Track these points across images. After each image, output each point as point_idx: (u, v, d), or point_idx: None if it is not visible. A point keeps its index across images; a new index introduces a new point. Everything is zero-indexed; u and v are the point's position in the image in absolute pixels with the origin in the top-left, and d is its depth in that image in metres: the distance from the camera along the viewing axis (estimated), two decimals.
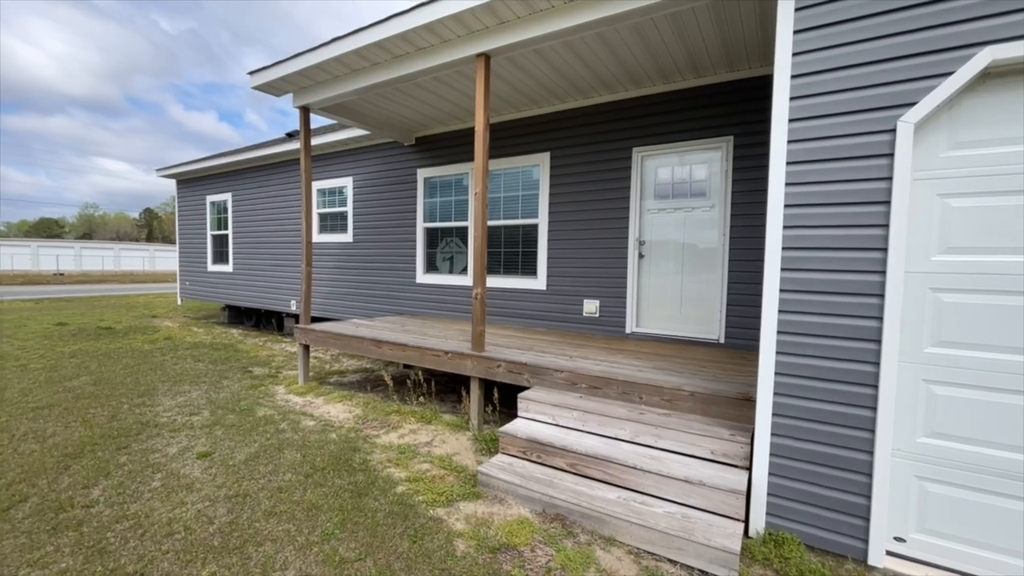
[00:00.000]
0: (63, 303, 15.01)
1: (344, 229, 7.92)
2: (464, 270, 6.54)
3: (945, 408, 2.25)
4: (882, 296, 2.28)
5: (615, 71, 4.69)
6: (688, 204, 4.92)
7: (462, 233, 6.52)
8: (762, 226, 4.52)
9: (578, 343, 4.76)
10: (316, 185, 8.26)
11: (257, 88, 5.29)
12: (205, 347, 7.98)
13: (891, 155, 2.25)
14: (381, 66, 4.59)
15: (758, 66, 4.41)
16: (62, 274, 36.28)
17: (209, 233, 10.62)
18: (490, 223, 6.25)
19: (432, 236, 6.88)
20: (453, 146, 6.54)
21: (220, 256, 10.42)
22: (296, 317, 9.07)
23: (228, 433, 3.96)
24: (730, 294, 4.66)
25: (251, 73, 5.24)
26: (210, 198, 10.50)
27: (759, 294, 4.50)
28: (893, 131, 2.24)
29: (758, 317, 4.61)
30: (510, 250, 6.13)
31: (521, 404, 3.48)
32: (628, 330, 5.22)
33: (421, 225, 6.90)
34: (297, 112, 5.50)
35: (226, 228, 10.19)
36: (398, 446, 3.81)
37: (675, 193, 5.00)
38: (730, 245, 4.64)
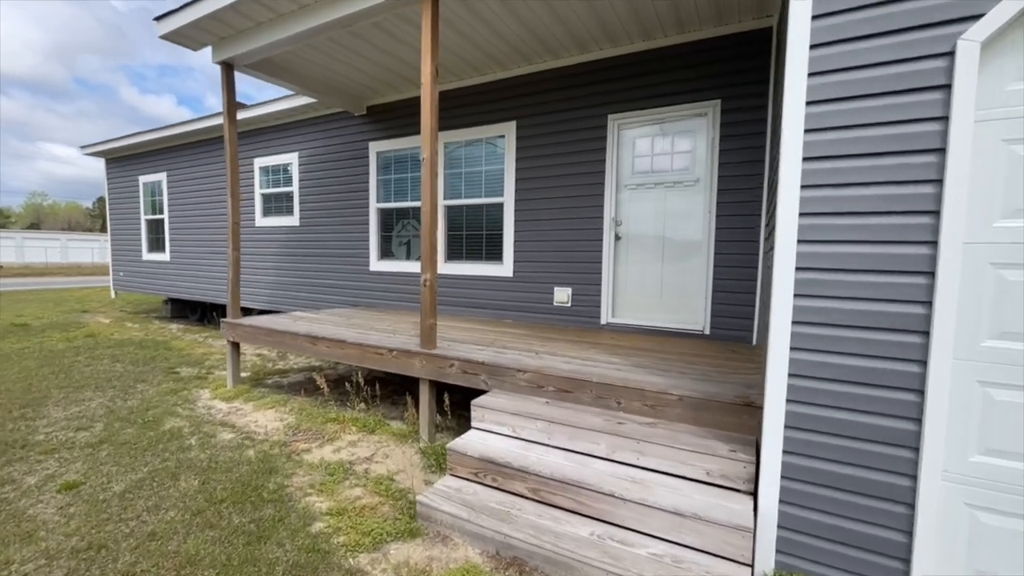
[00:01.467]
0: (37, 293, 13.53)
1: (290, 211, 7.09)
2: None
3: (1005, 417, 1.75)
4: (932, 274, 1.74)
5: (589, 25, 4.06)
6: (670, 179, 4.36)
7: (420, 214, 5.82)
8: (753, 203, 4.02)
9: (547, 336, 4.17)
10: (258, 162, 7.38)
11: (167, 38, 4.44)
12: (132, 345, 7.05)
13: (947, 87, 1.70)
14: (312, 9, 3.82)
15: (750, 18, 3.85)
16: (0, 267, 33.59)
17: (143, 218, 9.54)
18: (450, 203, 5.58)
19: (387, 218, 6.15)
20: (408, 115, 5.80)
21: (156, 243, 9.38)
22: (245, 311, 8.17)
23: (116, 454, 3.21)
24: (716, 279, 4.14)
25: (158, 19, 4.38)
26: (143, 179, 9.41)
27: (749, 279, 4.01)
28: (951, 54, 1.69)
29: (748, 305, 4.15)
30: (472, 233, 5.48)
31: (475, 413, 2.86)
32: (603, 321, 4.66)
33: (374, 206, 6.16)
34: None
35: (162, 212, 9.14)
36: (329, 464, 3.15)
37: (655, 167, 4.43)
38: (717, 224, 4.12)
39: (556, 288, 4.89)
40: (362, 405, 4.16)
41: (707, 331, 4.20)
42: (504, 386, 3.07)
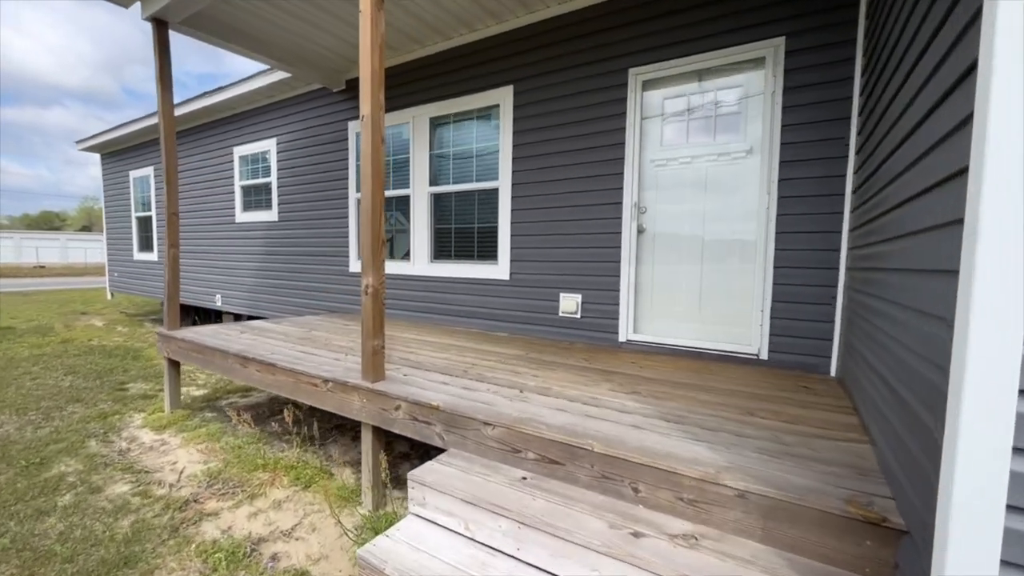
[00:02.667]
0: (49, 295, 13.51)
1: (268, 205, 6.30)
2: (407, 254, 4.92)
3: None
4: None
5: None
6: (711, 151, 3.27)
7: (404, 205, 4.89)
8: (833, 181, 2.87)
9: (546, 359, 3.15)
10: (238, 151, 6.64)
11: None
12: (99, 353, 6.41)
13: None
14: None
15: None
16: (42, 267, 34.90)
17: (133, 215, 9.02)
18: (437, 189, 4.62)
19: None
20: (391, 87, 4.88)
21: (145, 242, 8.84)
22: (234, 316, 7.46)
23: None
24: (778, 286, 3.02)
25: None
26: (133, 173, 8.89)
27: (826, 286, 2.87)
28: None
29: (824, 322, 2.80)
30: (463, 226, 4.51)
31: (413, 492, 1.88)
32: (622, 337, 3.60)
33: (353, 196, 5.27)
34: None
35: (150, 209, 8.58)
36: (228, 544, 2.24)
37: (691, 136, 3.35)
38: (778, 210, 3.00)
39: (562, 294, 3.86)
40: (309, 446, 3.24)
41: (764, 355, 3.08)
42: (466, 444, 2.07)
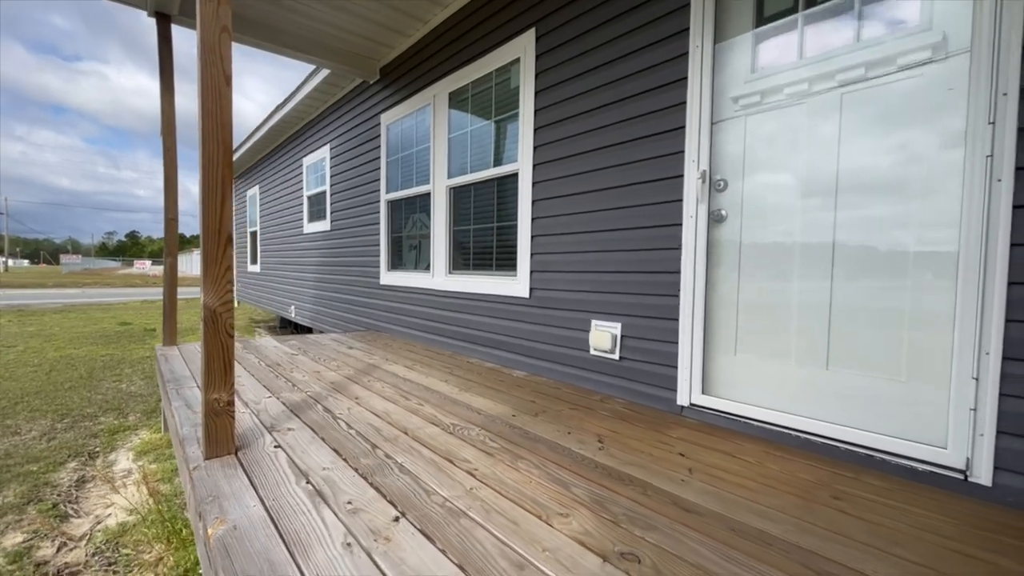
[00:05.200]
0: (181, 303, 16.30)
1: (323, 215, 6.04)
2: (428, 266, 4.04)
3: None
4: None
5: None
6: (853, 59, 1.73)
7: (426, 204, 4.04)
8: None
9: (536, 430, 1.93)
10: (306, 162, 6.58)
11: None
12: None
13: None
14: None
15: None
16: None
17: (248, 230, 9.87)
18: (454, 182, 3.68)
19: (396, 213, 4.53)
20: (414, 66, 4.12)
21: (254, 255, 9.57)
22: (307, 329, 7.45)
23: None
24: (1012, 338, 1.38)
25: None
26: (248, 192, 9.74)
27: None
28: None
29: None
30: (481, 227, 3.47)
31: None
32: (682, 399, 2.18)
33: (384, 198, 4.61)
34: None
35: (255, 224, 9.26)
36: None
37: (809, 41, 1.85)
38: (1017, 164, 1.37)
39: (594, 322, 2.56)
40: None
41: (983, 477, 1.43)
42: None
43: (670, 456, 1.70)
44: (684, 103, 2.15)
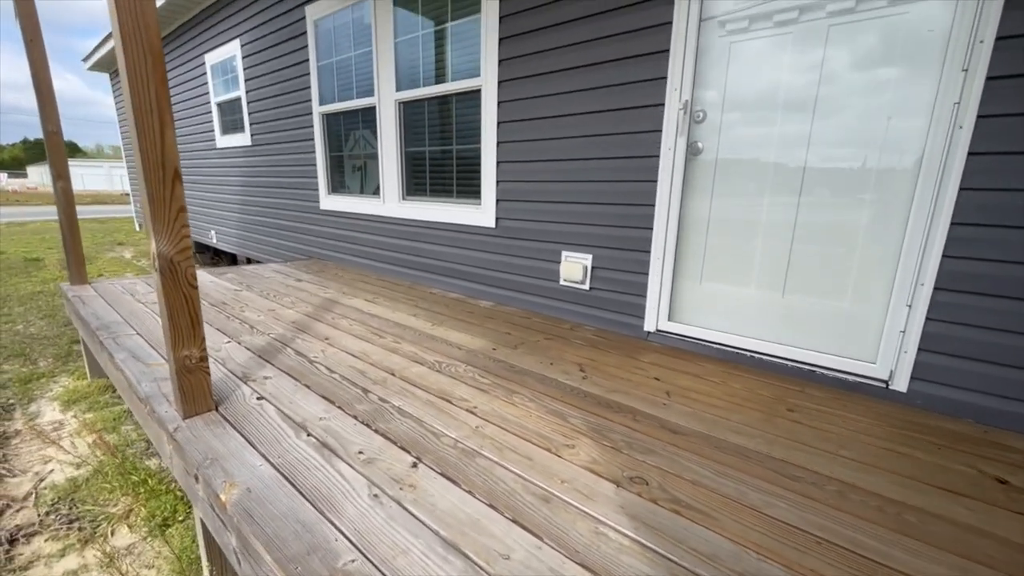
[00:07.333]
0: (80, 223, 14.04)
1: (241, 126, 5.27)
2: (377, 190, 3.75)
3: None
4: None
5: None
6: None
7: (370, 119, 3.64)
8: None
9: (521, 363, 1.99)
10: (209, 59, 5.55)
11: None
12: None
13: None
14: None
15: None
16: (127, 194, 37.38)
17: None
18: (404, 95, 3.32)
19: (334, 129, 4.06)
20: None
21: None
22: (231, 256, 6.78)
23: None
24: (951, 258, 1.59)
25: None
26: None
27: None
28: None
29: None
30: (439, 149, 3.23)
31: None
32: (650, 325, 2.33)
33: (317, 111, 4.08)
34: None
35: None
36: None
37: None
38: (981, 111, 1.48)
39: (565, 254, 2.59)
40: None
41: (901, 384, 1.73)
42: None
43: (647, 381, 1.86)
44: (671, 22, 2.03)
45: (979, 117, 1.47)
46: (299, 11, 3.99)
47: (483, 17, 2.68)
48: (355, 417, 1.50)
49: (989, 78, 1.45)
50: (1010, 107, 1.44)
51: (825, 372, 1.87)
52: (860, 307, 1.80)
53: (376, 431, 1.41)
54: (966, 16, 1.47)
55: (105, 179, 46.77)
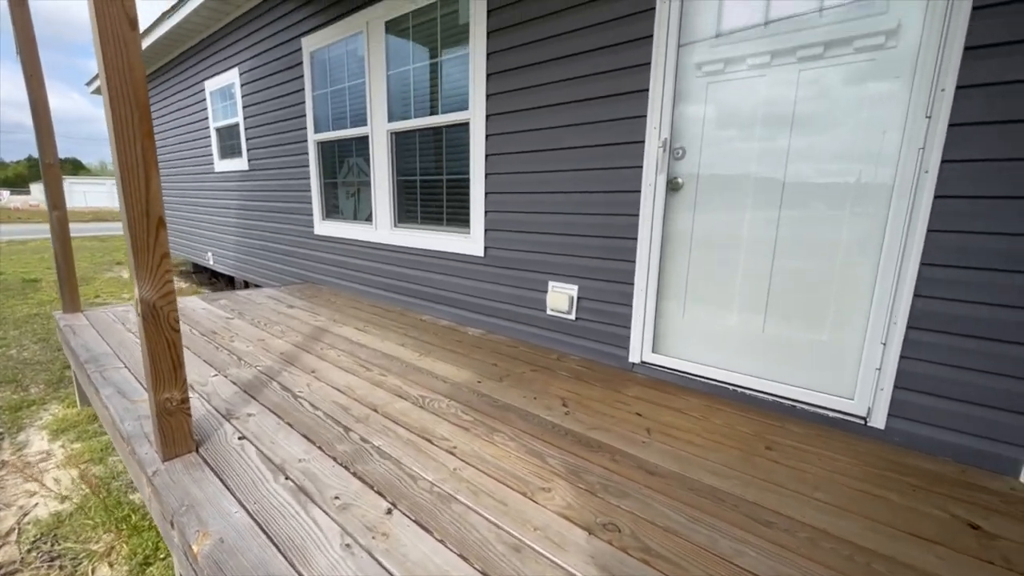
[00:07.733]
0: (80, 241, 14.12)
1: (239, 152, 5.36)
2: (370, 216, 3.80)
3: None
4: None
5: None
6: (814, 36, 1.76)
7: (363, 147, 3.72)
8: None
9: (505, 398, 2.01)
10: (209, 86, 5.66)
11: None
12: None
13: None
14: None
15: None
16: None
17: None
18: (396, 126, 3.39)
19: (328, 156, 4.13)
20: None
21: None
22: (229, 279, 6.81)
23: None
24: (923, 298, 1.61)
25: None
26: None
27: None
28: None
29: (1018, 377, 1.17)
30: (429, 178, 3.29)
31: None
32: (635, 357, 2.35)
33: (312, 138, 4.16)
34: None
35: None
36: None
37: (776, 12, 1.84)
38: (944, 157, 1.53)
39: (552, 283, 2.62)
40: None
41: (878, 420, 1.74)
42: None
43: (629, 417, 1.87)
44: (650, 63, 2.09)
45: (943, 162, 1.52)
46: (295, 42, 4.10)
47: (471, 54, 2.76)
48: (334, 459, 1.51)
49: (951, 124, 1.50)
50: (973, 152, 1.48)
51: (806, 407, 1.89)
52: (837, 345, 1.82)
53: (354, 474, 1.42)
54: (927, 65, 1.53)
55: (107, 196, 47.17)
